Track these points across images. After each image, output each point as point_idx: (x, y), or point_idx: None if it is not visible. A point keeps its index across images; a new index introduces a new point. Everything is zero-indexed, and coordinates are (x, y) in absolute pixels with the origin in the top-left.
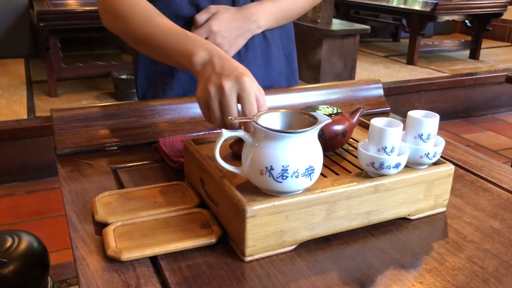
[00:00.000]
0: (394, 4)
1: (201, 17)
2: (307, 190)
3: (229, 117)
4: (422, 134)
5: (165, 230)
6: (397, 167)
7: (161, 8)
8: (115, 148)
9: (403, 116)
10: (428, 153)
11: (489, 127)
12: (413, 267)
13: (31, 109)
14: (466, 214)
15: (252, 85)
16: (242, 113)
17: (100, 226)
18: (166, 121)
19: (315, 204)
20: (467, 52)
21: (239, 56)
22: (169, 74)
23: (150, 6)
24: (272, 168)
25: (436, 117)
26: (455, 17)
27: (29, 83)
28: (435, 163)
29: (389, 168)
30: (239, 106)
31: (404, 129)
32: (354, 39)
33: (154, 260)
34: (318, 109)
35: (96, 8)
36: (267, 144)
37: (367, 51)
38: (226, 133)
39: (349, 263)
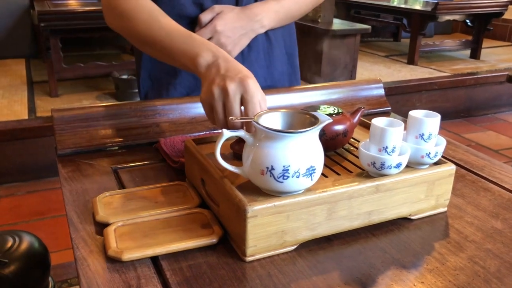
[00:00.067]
0: (395, 3)
1: (205, 16)
2: (308, 190)
3: (230, 117)
4: (423, 134)
5: (166, 230)
6: (398, 167)
7: (165, 8)
8: (116, 148)
9: (404, 116)
10: (429, 153)
11: (490, 127)
12: (414, 267)
13: (31, 109)
14: (468, 214)
15: (256, 88)
16: (245, 115)
17: (101, 226)
18: (167, 121)
19: (316, 204)
20: (468, 52)
21: (242, 55)
22: (172, 74)
23: (154, 6)
24: (273, 168)
25: (437, 117)
26: (456, 17)
27: (30, 83)
28: (436, 163)
29: (390, 168)
30: (242, 108)
31: (405, 129)
32: (355, 39)
33: (155, 260)
34: (319, 109)
35: (97, 8)
36: (268, 144)
37: (367, 50)
38: (227, 133)
39: (350, 263)
